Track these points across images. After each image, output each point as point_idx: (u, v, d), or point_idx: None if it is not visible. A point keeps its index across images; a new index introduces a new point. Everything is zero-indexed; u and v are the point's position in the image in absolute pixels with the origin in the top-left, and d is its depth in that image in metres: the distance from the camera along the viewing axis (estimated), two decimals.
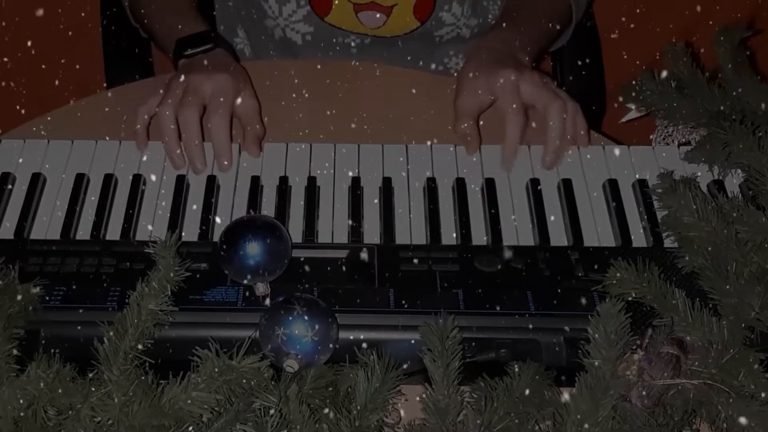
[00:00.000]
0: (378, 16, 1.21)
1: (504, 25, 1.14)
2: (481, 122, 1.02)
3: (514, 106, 0.98)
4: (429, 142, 1.00)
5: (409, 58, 1.25)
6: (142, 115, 1.00)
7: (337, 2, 1.19)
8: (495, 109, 1.02)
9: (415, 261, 0.85)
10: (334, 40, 1.24)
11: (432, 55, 1.28)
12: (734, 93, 0.97)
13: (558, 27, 1.21)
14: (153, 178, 0.96)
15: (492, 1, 1.25)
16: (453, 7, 1.21)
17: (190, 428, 0.69)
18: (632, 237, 0.90)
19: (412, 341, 0.77)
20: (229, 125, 0.98)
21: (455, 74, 1.28)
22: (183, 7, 1.13)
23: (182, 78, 1.00)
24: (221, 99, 0.98)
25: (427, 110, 1.06)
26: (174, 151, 0.97)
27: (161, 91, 1.00)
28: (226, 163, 0.97)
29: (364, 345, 0.76)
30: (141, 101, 1.00)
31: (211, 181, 0.95)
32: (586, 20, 1.29)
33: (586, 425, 0.69)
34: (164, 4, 1.15)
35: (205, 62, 1.03)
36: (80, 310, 0.79)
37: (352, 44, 1.24)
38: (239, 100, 1.00)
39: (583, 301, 0.81)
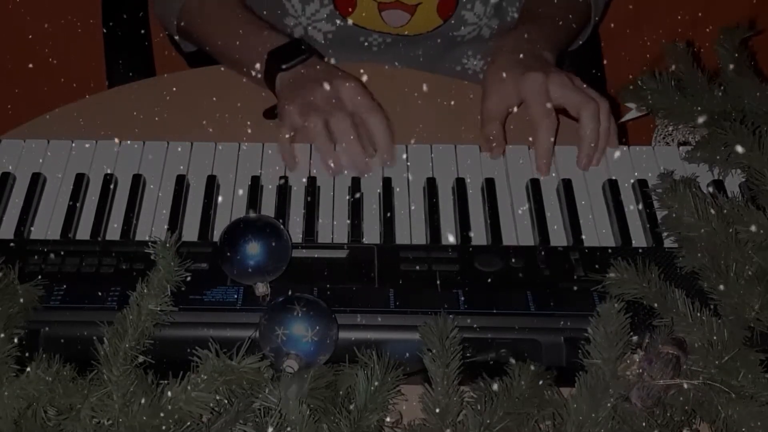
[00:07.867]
0: (402, 14, 1.21)
1: (526, 23, 1.13)
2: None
3: (545, 110, 0.97)
4: (429, 143, 1.00)
5: (427, 58, 1.25)
6: (288, 142, 0.97)
7: (361, 1, 1.19)
8: (523, 111, 1.01)
9: (415, 261, 0.85)
10: (356, 39, 1.23)
11: (450, 55, 1.27)
12: (735, 93, 0.97)
13: (577, 26, 1.21)
14: (153, 178, 0.96)
15: (511, 3, 1.25)
16: (476, 6, 1.21)
17: (190, 428, 0.69)
18: (632, 237, 0.90)
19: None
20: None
21: (471, 74, 1.28)
22: (246, 18, 1.10)
23: (317, 90, 0.98)
24: (369, 100, 0.98)
25: (427, 111, 1.06)
26: (332, 159, 0.96)
27: (298, 109, 0.98)
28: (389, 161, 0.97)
29: (364, 345, 0.76)
30: (283, 124, 0.98)
31: (211, 181, 0.95)
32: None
33: (586, 425, 0.69)
34: (222, 18, 1.12)
35: (317, 69, 1.01)
36: (80, 310, 0.79)
37: (374, 43, 1.24)
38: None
39: (583, 301, 0.81)
